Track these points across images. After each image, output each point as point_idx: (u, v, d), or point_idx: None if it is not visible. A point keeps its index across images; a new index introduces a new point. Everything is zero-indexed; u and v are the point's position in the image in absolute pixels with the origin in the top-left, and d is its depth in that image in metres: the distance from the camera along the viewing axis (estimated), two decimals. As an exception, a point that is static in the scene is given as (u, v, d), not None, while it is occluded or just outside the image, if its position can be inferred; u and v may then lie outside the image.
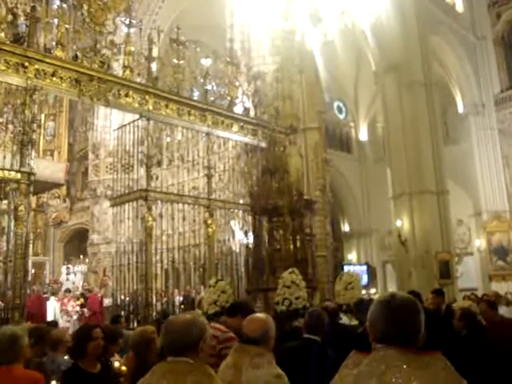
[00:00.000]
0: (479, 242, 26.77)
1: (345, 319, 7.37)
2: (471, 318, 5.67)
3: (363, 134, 31.73)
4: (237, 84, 12.84)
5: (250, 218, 12.42)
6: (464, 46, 27.32)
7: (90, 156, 20.68)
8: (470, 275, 23.60)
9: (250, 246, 12.11)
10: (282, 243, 11.60)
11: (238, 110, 12.86)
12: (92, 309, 14.81)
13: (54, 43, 9.58)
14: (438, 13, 25.05)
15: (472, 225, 27.51)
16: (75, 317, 15.09)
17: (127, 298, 11.08)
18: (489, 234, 26.29)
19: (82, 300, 15.47)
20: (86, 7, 10.11)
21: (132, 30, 11.05)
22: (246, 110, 13.01)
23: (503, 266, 25.91)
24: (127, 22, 10.94)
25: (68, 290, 16.29)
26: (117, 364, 4.70)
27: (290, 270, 9.73)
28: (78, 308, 15.24)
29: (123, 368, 4.76)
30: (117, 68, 10.84)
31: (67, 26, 9.78)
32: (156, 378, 2.49)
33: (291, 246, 11.60)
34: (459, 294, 17.56)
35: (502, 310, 9.20)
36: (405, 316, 1.98)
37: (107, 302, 14.63)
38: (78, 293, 16.53)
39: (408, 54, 21.06)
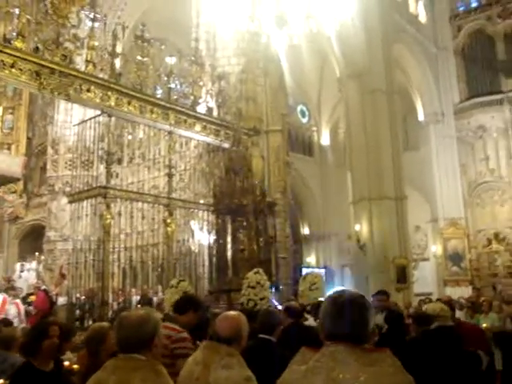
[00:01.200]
0: (435, 248, 27.31)
1: (311, 320, 7.34)
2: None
3: (325, 139, 32.00)
4: (201, 84, 12.79)
5: (211, 218, 12.39)
6: (426, 56, 27.87)
7: (49, 151, 20.24)
8: (425, 280, 24.02)
9: (213, 246, 12.07)
10: (246, 243, 11.56)
11: (202, 109, 12.81)
12: (39, 307, 14.41)
13: (14, 34, 9.36)
14: (402, 22, 25.49)
15: (429, 231, 28.04)
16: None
17: (83, 297, 10.90)
18: (445, 240, 26.84)
19: (33, 298, 15.08)
20: (49, -1, 9.92)
21: (96, 24, 10.90)
22: (210, 109, 12.97)
23: (458, 271, 26.50)
24: (91, 16, 10.78)
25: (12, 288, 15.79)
26: (67, 363, 4.60)
27: (255, 270, 9.71)
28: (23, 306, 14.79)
29: (75, 366, 4.67)
30: (79, 62, 10.66)
31: (29, 16, 9.57)
32: (106, 374, 2.47)
33: (255, 247, 11.58)
34: (415, 299, 17.85)
35: (456, 314, 9.40)
36: (351, 313, 1.99)
37: (62, 300, 14.33)
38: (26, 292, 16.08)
39: (371, 62, 21.35)
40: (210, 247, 12.23)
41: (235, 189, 11.71)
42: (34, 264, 19.40)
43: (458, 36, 29.49)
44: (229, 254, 11.65)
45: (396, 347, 5.30)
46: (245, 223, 11.66)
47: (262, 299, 9.22)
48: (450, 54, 29.02)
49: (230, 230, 11.81)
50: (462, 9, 30.37)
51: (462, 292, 22.38)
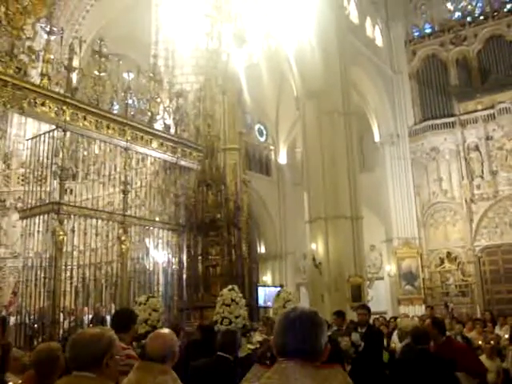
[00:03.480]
0: (389, 267, 27.70)
1: None
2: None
3: (282, 158, 32.24)
4: (158, 100, 12.72)
5: (167, 236, 12.26)
6: (382, 79, 28.52)
7: (1, 165, 19.74)
8: (380, 299, 24.31)
9: (179, 262, 11.92)
10: (219, 259, 11.41)
11: (159, 126, 12.72)
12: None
13: (-34, 45, 9.14)
14: (359, 45, 26.05)
15: (383, 250, 28.47)
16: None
17: (31, 316, 10.56)
18: (399, 259, 27.27)
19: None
20: (3, 9, 9.70)
21: (52, 37, 10.71)
22: (167, 126, 12.89)
23: (411, 290, 26.91)
24: (48, 28, 10.60)
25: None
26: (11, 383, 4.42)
27: (230, 287, 9.58)
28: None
29: (21, 388, 4.47)
30: (34, 75, 10.45)
31: (-19, 27, 9.36)
32: None
33: (228, 262, 11.44)
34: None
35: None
36: (300, 329, 1.97)
37: (13, 319, 13.89)
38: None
39: (328, 83, 21.67)
40: (171, 264, 12.08)
41: (207, 202, 11.60)
42: (-19, 282, 18.78)
43: (413, 60, 30.37)
44: (199, 269, 11.49)
45: (372, 366, 5.29)
46: (217, 238, 11.51)
47: (237, 317, 9.10)
48: (405, 77, 29.81)
49: (200, 246, 11.65)
50: (416, 34, 31.29)
51: (416, 311, 22.72)
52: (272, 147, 32.34)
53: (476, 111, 27.56)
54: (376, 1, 29.38)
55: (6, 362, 4.75)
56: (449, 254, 27.45)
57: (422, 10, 31.66)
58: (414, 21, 31.62)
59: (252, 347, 7.33)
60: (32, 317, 10.57)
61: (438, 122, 28.40)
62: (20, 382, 4.65)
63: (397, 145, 28.60)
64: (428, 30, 31.31)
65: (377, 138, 28.95)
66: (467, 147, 27.47)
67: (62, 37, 11.40)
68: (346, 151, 21.78)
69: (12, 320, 14.10)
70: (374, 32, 29.22)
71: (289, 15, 11.63)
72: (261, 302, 19.13)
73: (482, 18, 29.73)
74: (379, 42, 29.46)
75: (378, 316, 15.05)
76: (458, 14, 30.90)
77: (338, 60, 22.34)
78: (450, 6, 31.12)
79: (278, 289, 12.50)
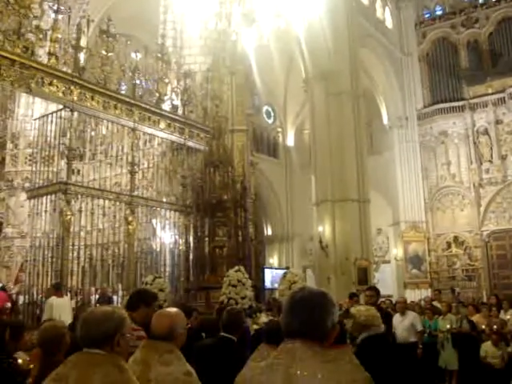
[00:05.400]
0: (396, 251, 27.69)
1: None
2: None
3: (290, 140, 32.12)
4: (166, 81, 12.67)
5: (174, 216, 12.27)
6: (391, 61, 28.25)
7: (9, 145, 19.75)
8: (386, 282, 24.29)
9: (185, 243, 11.95)
10: (226, 240, 11.40)
11: (166, 107, 12.68)
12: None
13: (-27, 23, 9.10)
14: (369, 26, 25.78)
15: (390, 234, 28.43)
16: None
17: (39, 296, 10.65)
18: (405, 243, 27.23)
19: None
20: (10, -12, 9.65)
21: (60, 16, 10.69)
22: (175, 107, 12.86)
23: (418, 274, 26.91)
24: (55, 7, 10.56)
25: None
26: (21, 361, 4.45)
27: (236, 268, 9.58)
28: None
29: (31, 366, 4.51)
30: (42, 55, 10.41)
31: (-11, 6, 9.31)
32: (67, 369, 2.43)
33: (235, 243, 11.44)
34: (375, 301, 17.98)
35: (411, 316, 9.54)
36: (304, 310, 1.96)
37: (22, 298, 14.01)
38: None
39: (337, 64, 21.50)
40: (178, 245, 12.10)
41: (214, 183, 11.58)
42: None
43: (423, 42, 30.00)
44: (206, 250, 11.51)
45: (380, 347, 5.20)
46: (224, 219, 11.51)
47: (243, 298, 9.12)
48: (414, 59, 29.49)
49: (207, 227, 11.65)
50: (427, 16, 30.90)
51: (422, 294, 22.72)
52: (280, 129, 32.22)
53: (486, 95, 27.25)
54: (386, -18, 29.02)
55: (18, 340, 4.78)
56: (456, 238, 27.38)
57: (433, -9, 31.24)
58: (424, 2, 31.20)
59: (258, 328, 7.35)
60: (40, 296, 10.65)
61: (448, 105, 28.14)
62: (28, 359, 4.69)
63: (405, 128, 28.41)
64: (439, 12, 30.90)
65: (385, 121, 28.77)
66: (476, 131, 27.25)
67: (69, 16, 11.38)
68: (354, 134, 21.65)
69: (21, 299, 14.24)
70: (384, 13, 28.89)
71: (298, -5, 11.57)
72: (268, 283, 19.22)
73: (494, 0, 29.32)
74: (389, 23, 29.14)
75: (384, 299, 15.06)
76: (469, -4, 30.44)
77: (348, 41, 22.14)
78: (461, -13, 30.68)
79: (284, 271, 12.52)
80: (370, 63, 26.34)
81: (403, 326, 9.27)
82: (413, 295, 22.36)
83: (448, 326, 9.94)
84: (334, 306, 2.02)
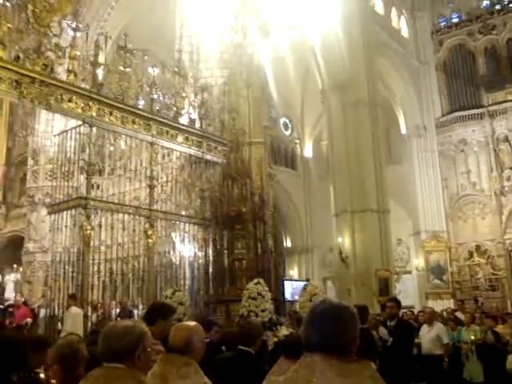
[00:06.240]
0: (417, 261, 27.42)
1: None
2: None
3: (308, 151, 32.09)
4: (183, 95, 12.75)
5: (193, 230, 12.29)
6: (408, 70, 28.16)
7: (30, 162, 20.03)
8: (407, 293, 24.06)
9: (204, 256, 11.96)
10: (245, 252, 11.39)
11: (184, 121, 12.75)
12: (18, 320, 14.17)
13: (-6, 42, 9.26)
14: (384, 36, 25.76)
15: (411, 244, 28.16)
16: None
17: (60, 310, 10.72)
18: (427, 253, 26.97)
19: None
20: (30, 7, 9.81)
21: (78, 34, 10.81)
22: (192, 121, 12.92)
23: (439, 284, 26.61)
24: (74, 25, 10.69)
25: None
26: (43, 376, 4.46)
27: (256, 280, 9.55)
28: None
29: (53, 381, 4.51)
30: (61, 72, 10.55)
31: (10, 25, 9.46)
32: (89, 383, 2.45)
33: (253, 256, 11.42)
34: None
35: (437, 327, 9.37)
36: (324, 322, 1.94)
37: (43, 312, 14.15)
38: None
39: (354, 74, 21.49)
40: (198, 258, 12.11)
41: (233, 196, 11.60)
42: (12, 276, 19.15)
43: (440, 50, 29.87)
44: (225, 263, 11.50)
45: (402, 360, 5.09)
46: (243, 231, 11.50)
47: (263, 311, 9.08)
48: (431, 68, 29.37)
49: (226, 239, 11.66)
50: (443, 24, 30.77)
51: (444, 305, 22.45)
52: (297, 141, 32.21)
53: (505, 101, 27.02)
54: (401, -9, 29.00)
55: (41, 356, 4.79)
56: (478, 247, 27.05)
57: (449, -1, 31.13)
58: (440, 10, 31.10)
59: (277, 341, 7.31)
60: (61, 310, 10.73)
61: (466, 113, 27.93)
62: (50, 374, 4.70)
63: (424, 137, 28.24)
64: (455, 20, 30.75)
65: (403, 130, 28.61)
66: (496, 138, 26.99)
67: (87, 33, 11.50)
68: (371, 143, 21.58)
69: (42, 312, 14.37)
70: (400, 23, 28.85)
71: (313, 6, 11.54)
72: (288, 295, 19.11)
73: (511, 5, 29.12)
74: (405, 32, 29.09)
75: (405, 310, 14.90)
76: (486, 3, 30.26)
77: (363, 51, 22.13)
78: (477, -6, 30.54)
79: (304, 283, 12.45)
80: (386, 72, 26.28)
81: (429, 337, 9.12)
82: (435, 306, 22.09)
83: (472, 338, 9.80)
84: (356, 320, 2.00)
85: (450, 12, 31.03)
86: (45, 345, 4.90)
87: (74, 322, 9.64)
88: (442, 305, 23.09)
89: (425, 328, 9.30)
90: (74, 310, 9.94)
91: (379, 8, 26.67)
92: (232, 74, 13.64)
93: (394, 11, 28.29)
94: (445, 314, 14.45)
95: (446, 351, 9.30)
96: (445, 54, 29.91)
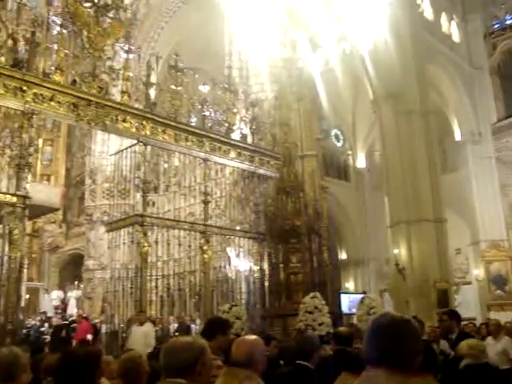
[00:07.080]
0: (477, 271, 26.62)
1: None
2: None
3: (361, 162, 31.78)
4: (234, 111, 12.89)
5: (248, 244, 12.35)
6: (460, 76, 27.55)
7: (87, 181, 20.64)
8: (468, 305, 23.38)
9: (260, 270, 12.01)
10: (300, 266, 11.37)
11: (236, 136, 12.88)
12: (80, 336, 14.49)
13: (53, 68, 9.63)
14: (435, 42, 25.32)
15: (470, 254, 27.36)
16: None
17: (121, 325, 10.93)
18: (487, 263, 26.14)
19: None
20: (85, 33, 10.20)
21: (131, 56, 11.13)
22: (244, 136, 13.03)
23: (502, 295, 25.72)
24: (126, 48, 11.02)
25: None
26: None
27: (312, 294, 9.54)
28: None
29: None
30: (115, 93, 10.89)
31: (66, 51, 9.84)
32: None
33: (310, 269, 11.39)
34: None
35: (504, 341, 9.01)
36: (385, 336, 1.91)
37: (104, 327, 14.47)
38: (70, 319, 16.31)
39: (405, 83, 21.21)
40: (253, 273, 12.16)
41: (287, 210, 11.62)
42: (74, 292, 19.69)
43: (494, 54, 29.10)
44: (281, 277, 11.51)
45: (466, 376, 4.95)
46: (298, 245, 11.50)
47: (320, 324, 9.04)
48: (485, 72, 28.60)
49: (281, 253, 11.68)
50: (496, 26, 29.97)
51: (507, 317, 21.69)
52: (350, 152, 31.97)
53: None
54: (451, -5, 28.51)
55: (97, 368, 4.90)
56: (541, 255, 26.08)
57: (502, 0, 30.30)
58: (493, 12, 30.29)
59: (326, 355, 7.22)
60: (122, 325, 10.94)
61: (524, 117, 27.11)
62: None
63: (479, 143, 27.48)
64: (509, 21, 29.93)
65: (458, 138, 27.95)
66: (557, 142, 26.07)
67: (139, 55, 11.82)
68: (426, 152, 21.19)
69: (103, 328, 14.71)
70: (450, 28, 28.28)
71: (361, 17, 11.50)
72: (345, 308, 18.88)
73: None
74: (456, 37, 28.49)
75: (466, 322, 14.46)
76: (541, 3, 29.39)
77: (414, 59, 21.83)
78: (532, -6, 29.66)
79: (361, 295, 12.29)
80: (438, 79, 25.80)
81: (495, 350, 8.79)
82: (497, 317, 21.37)
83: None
84: (418, 333, 1.96)
85: (503, 13, 30.19)
86: (100, 357, 5.03)
87: (146, 337, 9.76)
88: (505, 316, 22.28)
89: (490, 341, 8.97)
90: (147, 325, 10.06)
91: (428, 14, 26.25)
92: (282, 88, 13.71)
93: (443, 16, 27.77)
94: (508, 325, 13.92)
95: (513, 366, 8.94)
96: (499, 57, 29.12)
